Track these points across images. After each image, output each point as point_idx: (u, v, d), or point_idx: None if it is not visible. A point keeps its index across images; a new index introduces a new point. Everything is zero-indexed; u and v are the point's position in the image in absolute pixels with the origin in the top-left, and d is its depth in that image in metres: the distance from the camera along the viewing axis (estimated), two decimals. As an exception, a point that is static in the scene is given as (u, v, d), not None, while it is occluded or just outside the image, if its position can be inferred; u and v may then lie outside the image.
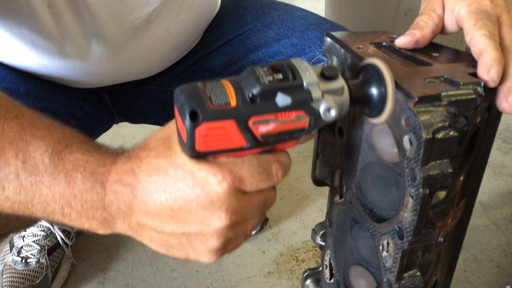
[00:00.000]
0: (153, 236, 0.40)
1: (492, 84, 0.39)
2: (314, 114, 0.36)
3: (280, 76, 0.36)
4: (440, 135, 0.36)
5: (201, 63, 0.83)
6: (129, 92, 0.85)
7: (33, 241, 1.00)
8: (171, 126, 0.40)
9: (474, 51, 0.42)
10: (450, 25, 0.48)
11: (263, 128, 0.36)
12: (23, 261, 0.97)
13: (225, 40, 0.82)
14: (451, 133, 0.36)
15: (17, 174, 0.40)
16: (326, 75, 0.37)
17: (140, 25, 0.68)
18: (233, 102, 0.35)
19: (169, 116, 0.40)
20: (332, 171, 0.54)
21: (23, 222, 0.64)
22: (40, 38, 0.64)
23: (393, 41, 0.47)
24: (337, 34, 0.48)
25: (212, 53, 0.82)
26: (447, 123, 0.36)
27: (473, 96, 0.38)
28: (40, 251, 0.99)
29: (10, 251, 1.00)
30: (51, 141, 0.41)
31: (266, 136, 0.36)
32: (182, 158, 0.37)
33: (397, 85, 0.38)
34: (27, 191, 0.41)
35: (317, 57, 0.77)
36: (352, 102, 0.38)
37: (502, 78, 0.40)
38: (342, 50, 0.45)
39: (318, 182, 0.58)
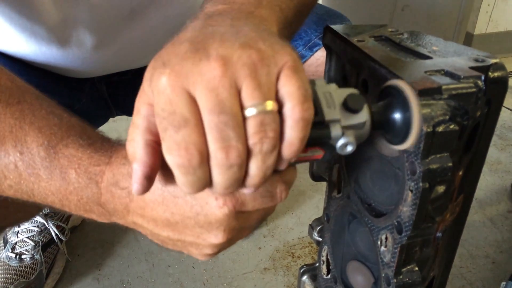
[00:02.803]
0: (149, 234, 0.40)
1: None
2: (330, 149, 0.35)
3: None
4: (440, 129, 0.36)
5: None
6: (126, 84, 0.84)
7: (27, 237, 0.99)
8: None
9: None
10: None
11: None
12: (17, 257, 0.97)
13: None
14: (452, 126, 0.36)
15: (16, 164, 0.40)
16: (350, 107, 0.34)
17: (138, 8, 0.67)
18: None
19: None
20: (330, 166, 0.53)
21: (23, 214, 0.64)
22: (37, 26, 0.63)
23: (393, 35, 0.47)
24: (337, 27, 0.47)
25: None
26: (447, 117, 0.36)
27: (474, 89, 0.38)
28: (34, 247, 0.98)
29: (4, 247, 0.99)
30: (47, 133, 0.41)
31: None
32: None
33: (397, 78, 0.37)
34: (27, 182, 0.41)
35: (313, 41, 0.77)
36: (374, 128, 0.36)
37: None
38: (342, 44, 0.45)
39: (315, 177, 0.57)
